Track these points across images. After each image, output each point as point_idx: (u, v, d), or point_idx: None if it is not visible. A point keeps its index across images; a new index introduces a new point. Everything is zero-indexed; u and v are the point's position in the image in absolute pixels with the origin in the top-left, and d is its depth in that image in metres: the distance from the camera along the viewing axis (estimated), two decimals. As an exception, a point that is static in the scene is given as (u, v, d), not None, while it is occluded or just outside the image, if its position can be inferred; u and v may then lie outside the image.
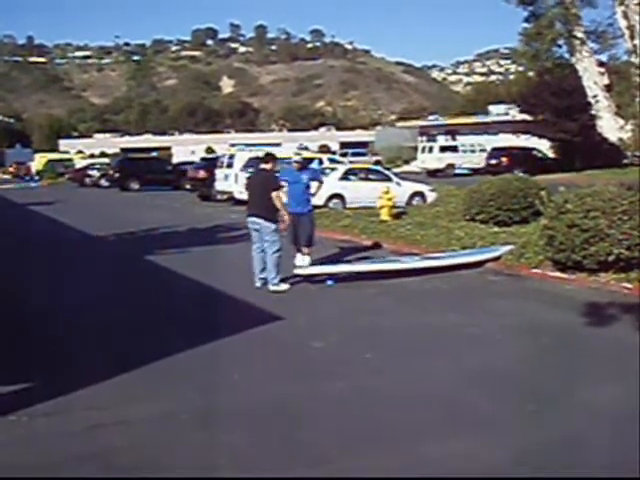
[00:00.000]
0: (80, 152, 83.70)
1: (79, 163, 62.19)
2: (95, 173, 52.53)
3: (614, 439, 5.98)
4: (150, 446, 6.07)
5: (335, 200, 25.18)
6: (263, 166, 13.46)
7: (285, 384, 7.62)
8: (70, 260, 16.72)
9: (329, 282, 13.04)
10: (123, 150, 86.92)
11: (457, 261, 14.32)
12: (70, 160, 66.67)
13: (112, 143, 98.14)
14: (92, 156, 75.45)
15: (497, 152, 48.20)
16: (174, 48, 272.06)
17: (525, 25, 15.15)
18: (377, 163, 51.16)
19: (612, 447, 5.83)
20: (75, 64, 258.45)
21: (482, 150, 52.69)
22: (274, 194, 12.78)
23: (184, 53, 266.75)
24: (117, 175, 46.06)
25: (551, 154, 50.23)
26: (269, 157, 13.53)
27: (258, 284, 12.92)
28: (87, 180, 52.40)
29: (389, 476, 5.45)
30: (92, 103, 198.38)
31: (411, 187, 27.13)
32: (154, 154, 67.00)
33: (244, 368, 8.23)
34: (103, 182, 49.72)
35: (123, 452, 5.93)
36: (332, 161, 32.65)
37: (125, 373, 7.88)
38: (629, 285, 11.80)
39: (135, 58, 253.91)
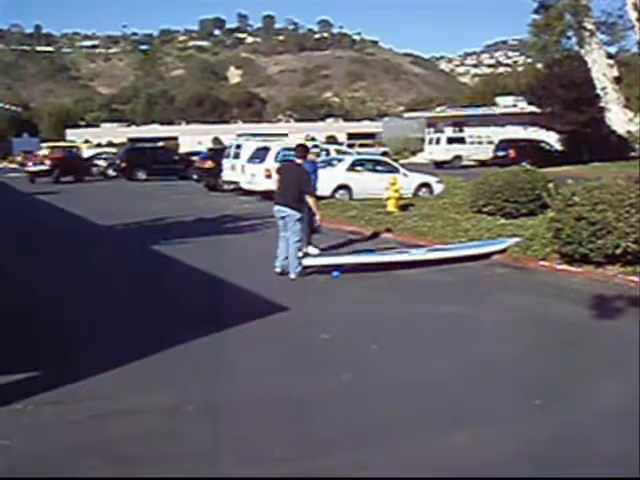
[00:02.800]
0: (87, 141, 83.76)
1: (86, 153, 62.17)
2: (102, 163, 52.49)
3: (618, 433, 5.96)
4: (154, 436, 6.06)
5: (342, 191, 25.16)
6: (298, 161, 13.52)
7: (291, 375, 7.61)
8: (76, 250, 16.74)
9: (335, 273, 13.02)
10: (130, 140, 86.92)
11: (464, 253, 14.28)
12: (77, 150, 66.62)
13: (119, 133, 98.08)
14: (99, 146, 75.38)
15: (504, 144, 48.08)
16: (181, 38, 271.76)
17: (534, 16, 15.08)
18: (384, 154, 51.11)
19: (616, 441, 5.81)
20: (82, 53, 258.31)
21: (489, 142, 52.58)
22: (310, 200, 13.02)
23: (191, 43, 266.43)
24: (124, 165, 46.00)
25: (559, 146, 50.11)
26: (303, 150, 13.72)
27: (278, 269, 13.03)
28: (94, 170, 52.38)
29: (392, 471, 5.44)
30: (99, 93, 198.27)
31: (418, 178, 27.07)
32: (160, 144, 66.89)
33: (250, 359, 8.23)
34: (110, 172, 49.69)
35: (126, 442, 5.92)
36: (339, 152, 32.58)
37: (130, 363, 7.88)
38: (636, 278, 11.74)
39: (142, 48, 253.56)
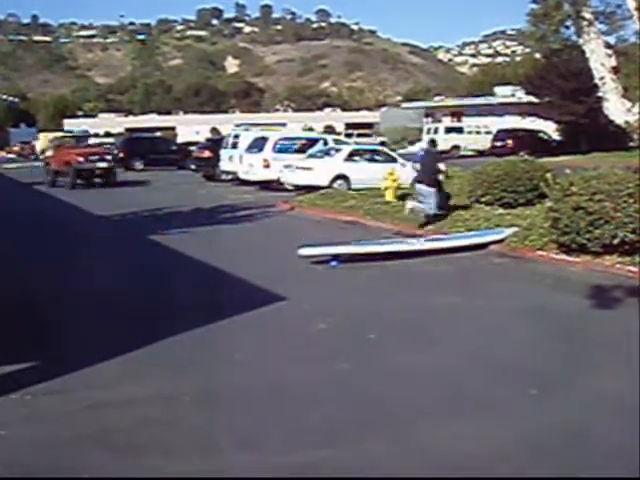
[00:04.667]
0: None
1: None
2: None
3: (615, 424, 5.96)
4: (151, 426, 6.06)
5: (340, 181, 25.08)
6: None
7: (288, 365, 7.61)
8: (73, 240, 16.72)
9: (333, 263, 13.02)
10: (128, 130, 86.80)
11: (461, 243, 14.28)
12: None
13: (117, 123, 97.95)
14: (97, 136, 75.25)
15: (503, 134, 48.04)
16: (179, 28, 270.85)
17: (533, 6, 15.04)
18: (382, 144, 51.01)
19: (613, 432, 5.81)
20: (80, 43, 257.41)
21: (487, 132, 52.52)
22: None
23: (189, 33, 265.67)
24: (121, 155, 45.95)
25: (557, 137, 50.05)
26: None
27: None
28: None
29: (393, 460, 5.44)
30: (97, 83, 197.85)
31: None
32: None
33: (246, 349, 8.23)
34: (108, 162, 49.61)
35: (123, 431, 5.92)
36: (337, 142, 32.52)
37: (126, 353, 7.88)
38: (634, 268, 11.75)
39: (140, 37, 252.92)
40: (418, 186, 17.16)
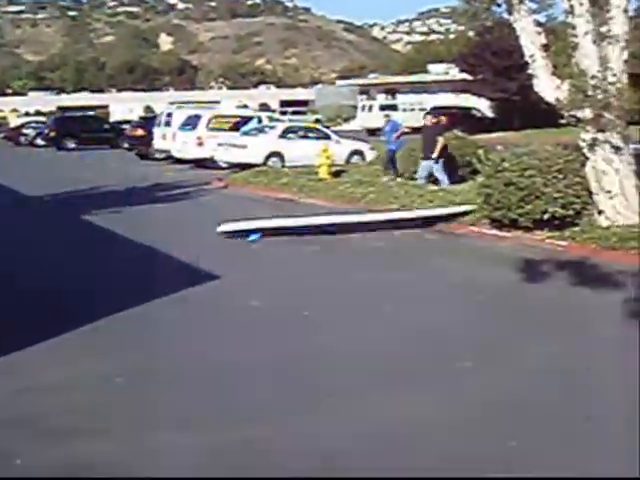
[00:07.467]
0: (15, 110, 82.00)
1: (14, 122, 60.91)
2: (30, 132, 51.51)
3: (547, 394, 6.07)
4: (84, 409, 5.95)
5: (274, 158, 25.05)
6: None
7: (222, 344, 7.58)
8: (2, 220, 16.39)
9: (253, 236, 12.94)
10: (60, 108, 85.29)
11: (391, 217, 14.23)
12: (4, 119, 65.25)
13: (48, 101, 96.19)
14: (27, 114, 73.82)
15: (436, 111, 48.39)
16: (111, 4, 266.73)
17: (465, -16, 15.06)
18: (317, 121, 51.02)
19: (546, 402, 5.92)
20: (8, 19, 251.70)
21: (421, 109, 52.82)
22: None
23: (121, 9, 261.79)
24: (53, 134, 45.27)
25: (490, 114, 50.60)
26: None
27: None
28: (22, 139, 51.37)
29: (328, 439, 5.45)
30: (26, 60, 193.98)
31: (350, 145, 27.18)
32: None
33: (180, 329, 8.18)
34: (39, 141, 48.79)
35: (55, 416, 5.80)
36: (271, 119, 32.41)
37: (56, 337, 7.69)
38: (563, 243, 11.99)
39: (71, 14, 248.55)
40: (424, 163, 17.78)
